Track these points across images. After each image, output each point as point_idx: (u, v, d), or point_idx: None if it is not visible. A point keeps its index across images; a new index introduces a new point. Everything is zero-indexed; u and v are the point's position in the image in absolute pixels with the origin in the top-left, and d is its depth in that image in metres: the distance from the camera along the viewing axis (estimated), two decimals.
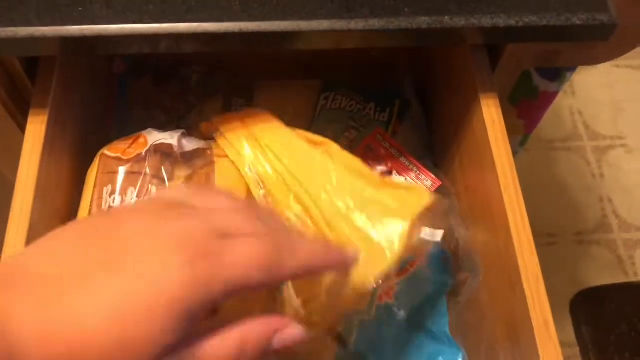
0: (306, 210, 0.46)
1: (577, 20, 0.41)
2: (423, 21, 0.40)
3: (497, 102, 0.47)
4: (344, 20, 0.40)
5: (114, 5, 0.39)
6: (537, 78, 0.66)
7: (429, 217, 0.45)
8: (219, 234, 0.27)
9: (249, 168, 0.48)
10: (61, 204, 0.48)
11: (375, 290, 0.53)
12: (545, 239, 1.22)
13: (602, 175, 1.29)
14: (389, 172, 0.58)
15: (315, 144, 0.49)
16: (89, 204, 0.47)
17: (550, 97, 0.68)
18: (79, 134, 0.52)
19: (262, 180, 0.47)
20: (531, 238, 0.43)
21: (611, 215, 1.25)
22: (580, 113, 1.38)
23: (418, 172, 0.57)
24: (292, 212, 0.46)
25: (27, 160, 0.44)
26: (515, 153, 0.77)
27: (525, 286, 0.41)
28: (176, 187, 0.29)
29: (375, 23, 0.40)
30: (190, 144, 0.49)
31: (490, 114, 0.47)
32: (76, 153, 0.50)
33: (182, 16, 0.39)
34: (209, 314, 0.28)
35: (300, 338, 0.29)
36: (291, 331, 0.29)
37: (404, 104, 0.64)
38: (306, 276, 0.30)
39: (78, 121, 0.52)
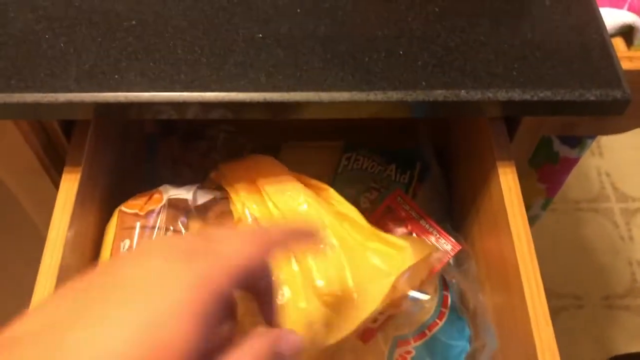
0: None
1: (591, 96, 0.42)
2: (439, 94, 0.42)
3: (514, 169, 0.48)
4: (363, 92, 0.42)
5: (148, 73, 0.42)
6: (557, 144, 0.67)
7: (417, 274, 0.48)
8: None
9: (248, 211, 0.50)
10: (88, 258, 0.50)
11: (391, 354, 0.53)
12: (572, 300, 1.19)
13: (631, 238, 1.27)
14: (409, 234, 0.58)
15: (315, 188, 0.51)
16: (107, 257, 0.49)
17: (570, 163, 0.69)
18: (108, 190, 0.54)
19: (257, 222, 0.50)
20: (546, 309, 0.43)
21: None
22: (608, 174, 1.37)
23: (438, 235, 0.57)
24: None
25: (60, 215, 0.46)
26: (537, 217, 0.78)
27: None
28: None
29: (393, 95, 0.42)
30: (205, 196, 0.51)
31: (507, 181, 0.48)
32: (105, 209, 0.52)
33: (210, 85, 0.42)
34: (225, 316, 0.29)
35: (300, 344, 0.31)
36: (293, 338, 0.31)
37: (424, 167, 0.66)
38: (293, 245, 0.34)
39: (109, 178, 0.54)
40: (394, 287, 0.46)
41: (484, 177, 0.51)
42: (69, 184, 0.47)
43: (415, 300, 0.50)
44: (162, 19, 0.45)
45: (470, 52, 0.44)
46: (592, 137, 0.65)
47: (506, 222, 0.46)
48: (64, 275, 0.44)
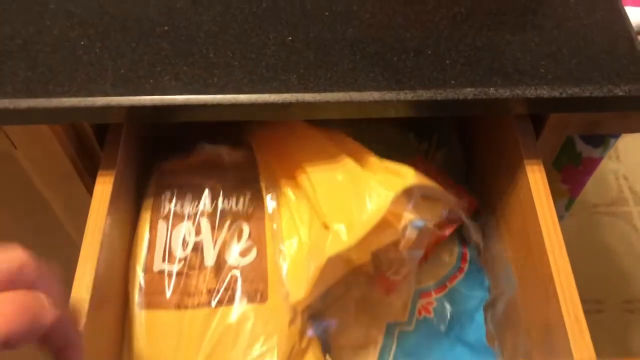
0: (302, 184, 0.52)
1: (619, 91, 0.42)
2: (469, 92, 0.42)
3: (542, 167, 0.48)
4: (393, 91, 0.42)
5: (182, 77, 0.43)
6: (580, 144, 0.67)
7: (427, 208, 0.50)
8: None
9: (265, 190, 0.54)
10: (123, 259, 0.50)
11: (414, 305, 0.57)
12: (592, 305, 1.18)
13: None
14: None
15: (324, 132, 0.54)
16: (149, 213, 0.53)
17: (594, 163, 0.69)
18: (137, 193, 0.55)
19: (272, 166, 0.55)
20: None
21: None
22: (626, 178, 1.37)
23: (457, 193, 0.59)
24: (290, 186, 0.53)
25: (95, 217, 0.46)
26: (561, 217, 0.77)
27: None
28: None
29: (423, 94, 0.42)
30: (238, 154, 0.56)
31: (535, 180, 0.48)
32: (135, 210, 0.53)
33: (243, 88, 0.43)
34: None
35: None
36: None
37: (442, 137, 0.68)
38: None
39: (138, 181, 0.55)
40: (396, 211, 0.47)
41: (511, 177, 0.51)
42: (104, 187, 0.48)
43: (419, 228, 0.50)
44: (193, 24, 0.46)
45: (497, 50, 0.45)
46: (616, 136, 0.65)
47: (536, 222, 0.47)
48: (100, 278, 0.45)
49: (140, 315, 0.50)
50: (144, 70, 0.43)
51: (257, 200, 0.54)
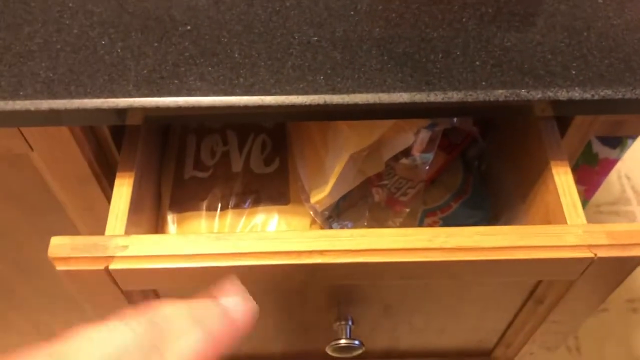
0: None
1: None
2: (500, 94, 0.42)
3: (569, 169, 0.48)
4: (423, 93, 0.42)
5: (207, 78, 0.42)
6: (597, 145, 0.66)
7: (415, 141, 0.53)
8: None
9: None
10: None
11: (421, 222, 0.63)
12: None
13: None
14: None
15: None
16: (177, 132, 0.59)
17: (610, 164, 0.68)
18: (157, 193, 0.54)
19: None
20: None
21: None
22: (628, 177, 1.37)
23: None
24: None
25: (114, 221, 0.45)
26: None
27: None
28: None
29: (454, 95, 0.42)
30: None
31: (562, 181, 0.47)
32: (155, 212, 0.52)
33: (270, 89, 0.42)
34: None
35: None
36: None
37: None
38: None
39: (156, 180, 0.54)
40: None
41: (536, 178, 0.50)
42: (123, 189, 0.47)
43: (431, 130, 0.53)
44: (216, 23, 0.45)
45: (527, 51, 0.44)
46: (634, 137, 0.65)
47: (563, 221, 0.46)
48: None
49: (173, 219, 0.53)
50: (167, 70, 0.42)
51: None
